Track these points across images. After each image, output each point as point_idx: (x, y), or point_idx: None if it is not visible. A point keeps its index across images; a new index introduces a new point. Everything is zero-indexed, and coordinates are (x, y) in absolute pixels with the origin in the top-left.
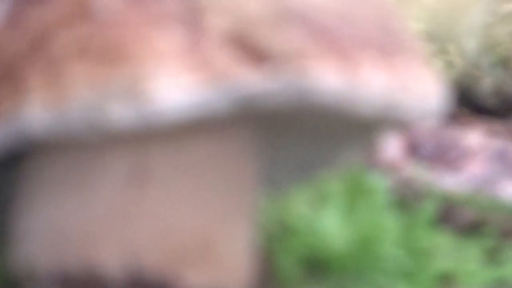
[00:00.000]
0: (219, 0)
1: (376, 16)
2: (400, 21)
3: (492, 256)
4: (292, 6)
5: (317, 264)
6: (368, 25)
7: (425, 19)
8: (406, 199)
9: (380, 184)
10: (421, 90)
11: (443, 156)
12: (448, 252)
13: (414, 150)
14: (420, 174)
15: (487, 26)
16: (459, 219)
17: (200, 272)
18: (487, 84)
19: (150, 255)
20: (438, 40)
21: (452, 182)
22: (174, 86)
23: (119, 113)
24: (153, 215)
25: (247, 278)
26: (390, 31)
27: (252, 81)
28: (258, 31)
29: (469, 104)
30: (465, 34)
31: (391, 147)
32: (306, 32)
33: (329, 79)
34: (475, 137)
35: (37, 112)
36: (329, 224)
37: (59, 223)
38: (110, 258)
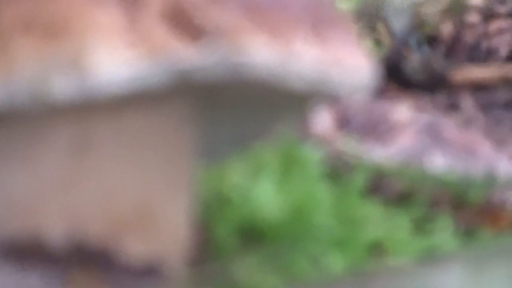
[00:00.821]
0: None
1: None
2: (331, 0)
3: (421, 226)
4: None
5: (252, 233)
6: (299, 3)
7: None
8: (337, 170)
9: (312, 155)
10: (352, 65)
11: (373, 129)
12: (378, 221)
13: (345, 123)
14: (351, 146)
15: (415, 6)
16: (389, 189)
17: (140, 241)
18: (414, 60)
19: (92, 224)
20: (368, 19)
21: (382, 154)
22: (113, 60)
23: (61, 85)
24: (95, 185)
25: (185, 247)
26: (321, 9)
27: (188, 56)
28: (194, 8)
29: (397, 79)
30: (394, 14)
31: (323, 120)
32: (240, 9)
33: (262, 53)
34: (403, 111)
35: None
36: (264, 194)
37: (6, 192)
38: (55, 227)
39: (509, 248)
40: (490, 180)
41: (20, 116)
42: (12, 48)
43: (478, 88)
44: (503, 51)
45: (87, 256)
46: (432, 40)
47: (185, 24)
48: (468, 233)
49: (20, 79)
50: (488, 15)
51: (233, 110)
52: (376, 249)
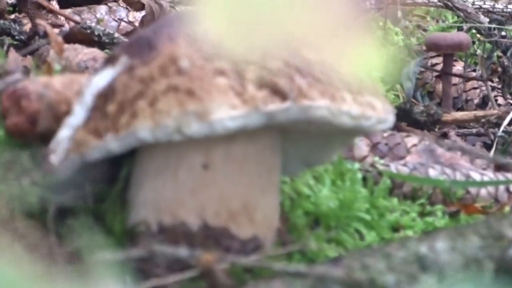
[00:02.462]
0: (253, 61)
1: (349, 68)
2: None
3: (423, 213)
4: (297, 63)
5: (315, 217)
6: (345, 73)
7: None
8: (370, 177)
9: (354, 167)
10: (380, 110)
11: (393, 151)
12: (396, 210)
13: (375, 148)
14: (379, 162)
15: (419, 73)
16: (403, 190)
17: (247, 227)
18: (419, 108)
19: (215, 216)
20: (389, 82)
21: (398, 167)
22: (230, 113)
23: (195, 129)
24: (216, 189)
25: (275, 229)
26: (359, 77)
27: (277, 109)
28: (277, 80)
29: (408, 120)
30: (405, 78)
31: (361, 145)
32: (308, 79)
33: (324, 107)
34: (412, 140)
35: (146, 128)
36: (323, 192)
37: (158, 193)
38: (190, 215)
39: (477, 224)
40: (466, 183)
41: (168, 143)
42: (165, 104)
43: (460, 124)
44: (475, 100)
45: (213, 238)
46: (430, 95)
47: (274, 90)
48: (452, 216)
49: (171, 123)
50: (465, 78)
51: (304, 140)
52: (395, 228)
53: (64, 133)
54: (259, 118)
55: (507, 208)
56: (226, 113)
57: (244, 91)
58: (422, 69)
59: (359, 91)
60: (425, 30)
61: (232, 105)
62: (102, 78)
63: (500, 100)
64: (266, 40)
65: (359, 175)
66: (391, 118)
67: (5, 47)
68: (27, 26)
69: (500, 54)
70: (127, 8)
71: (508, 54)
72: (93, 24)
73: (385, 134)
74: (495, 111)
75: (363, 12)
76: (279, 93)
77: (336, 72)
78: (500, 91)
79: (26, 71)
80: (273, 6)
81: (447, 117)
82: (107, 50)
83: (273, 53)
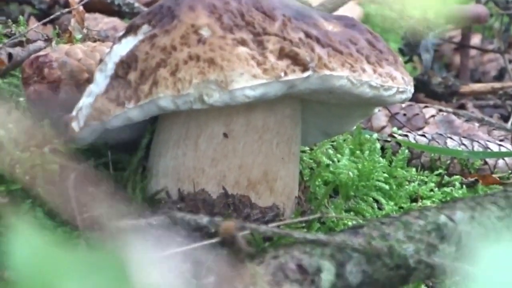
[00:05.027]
0: (273, 31)
1: (368, 39)
2: (385, 43)
3: (441, 184)
4: (318, 35)
5: (335, 187)
6: (365, 45)
7: (399, 41)
8: (389, 147)
9: (373, 138)
10: (399, 80)
11: (411, 122)
12: (414, 180)
13: (393, 118)
14: (397, 132)
15: (437, 45)
16: (421, 160)
17: (267, 195)
18: (436, 79)
19: (236, 185)
20: (408, 54)
21: (416, 137)
22: (251, 82)
23: (216, 97)
24: (236, 159)
25: (294, 198)
26: (379, 49)
27: (298, 78)
28: (299, 50)
29: (426, 91)
30: (424, 50)
31: (379, 116)
32: (328, 49)
33: (344, 77)
34: (430, 111)
35: (167, 96)
36: (342, 161)
37: (179, 162)
38: (210, 184)
39: (495, 195)
40: (484, 154)
41: (189, 112)
42: (187, 73)
43: (477, 96)
44: (492, 73)
45: (233, 206)
46: (447, 66)
47: (294, 59)
48: (469, 186)
49: (192, 91)
50: (483, 50)
51: (323, 110)
52: (413, 198)
53: (85, 101)
54: (279, 87)
55: None
56: (247, 82)
57: (265, 61)
58: (440, 41)
59: (379, 62)
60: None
61: (253, 74)
62: (124, 47)
63: None
64: (289, 10)
65: (378, 145)
66: (410, 89)
67: (25, 16)
68: None
69: None
70: None
71: None
72: None
73: (404, 105)
74: None
75: None
76: (299, 63)
77: (355, 43)
78: None
79: (48, 40)
80: None
81: (465, 88)
82: (127, 19)
83: (294, 23)
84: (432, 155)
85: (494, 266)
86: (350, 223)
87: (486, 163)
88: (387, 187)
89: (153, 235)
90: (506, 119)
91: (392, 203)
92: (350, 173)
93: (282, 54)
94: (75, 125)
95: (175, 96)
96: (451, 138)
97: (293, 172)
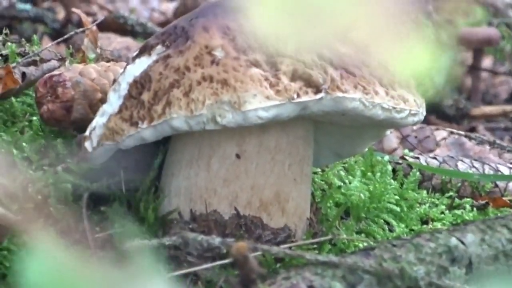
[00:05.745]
0: (286, 53)
1: (382, 62)
2: (399, 66)
3: (452, 206)
4: (331, 57)
5: (346, 208)
6: (378, 67)
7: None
8: (400, 169)
9: (385, 159)
10: (411, 105)
11: (422, 144)
12: (425, 202)
13: (404, 140)
14: (408, 154)
15: (449, 68)
16: (432, 182)
17: (278, 216)
18: (448, 101)
19: (246, 204)
20: (420, 77)
21: (428, 160)
22: (263, 104)
23: (229, 118)
24: (248, 178)
25: (306, 219)
26: (392, 71)
27: (311, 100)
28: (312, 72)
29: (438, 113)
30: (436, 73)
31: (391, 138)
32: (341, 72)
33: (356, 99)
34: (441, 133)
35: (181, 116)
36: (353, 183)
37: (191, 182)
38: (222, 204)
39: (505, 217)
40: (495, 176)
41: (201, 132)
42: (199, 94)
43: (488, 119)
44: (503, 96)
45: (245, 227)
46: (458, 89)
47: (307, 81)
48: (479, 209)
49: (205, 112)
50: (494, 72)
51: (336, 132)
52: (424, 220)
53: (99, 121)
54: (292, 109)
55: None
56: (260, 103)
57: (278, 82)
58: (452, 63)
59: (391, 84)
60: (454, 25)
61: (266, 96)
62: (138, 67)
63: None
64: (302, 32)
65: (389, 167)
66: (423, 111)
67: (39, 35)
68: (61, 14)
69: None
70: None
71: None
72: (126, 14)
73: (415, 127)
74: None
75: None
76: (312, 85)
77: (367, 65)
78: None
79: (61, 59)
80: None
81: (476, 111)
82: (140, 39)
83: (307, 45)
84: (443, 177)
85: None
86: (361, 245)
87: (496, 185)
88: (398, 209)
89: (164, 255)
90: None
91: (403, 225)
92: (362, 195)
93: (295, 75)
94: (88, 145)
95: (188, 117)
96: (462, 160)
97: (305, 193)
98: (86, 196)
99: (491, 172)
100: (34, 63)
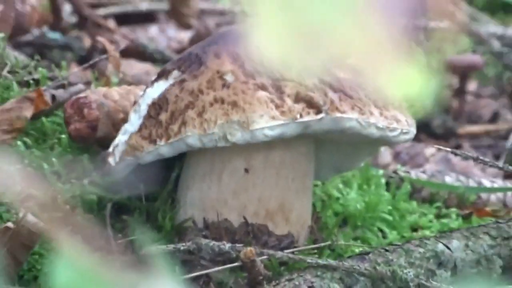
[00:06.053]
0: (290, 78)
1: (376, 86)
2: (391, 89)
3: (440, 215)
4: (331, 81)
5: (344, 217)
6: (373, 90)
7: (404, 90)
8: (393, 182)
9: (379, 173)
10: (403, 123)
11: (413, 160)
12: (415, 212)
13: (397, 156)
14: (400, 169)
15: (437, 91)
16: (422, 194)
17: (283, 225)
18: (437, 121)
19: (253, 214)
20: (410, 100)
21: (418, 174)
22: (269, 123)
23: (238, 136)
24: (255, 190)
25: (307, 227)
26: (385, 94)
27: (312, 120)
28: (313, 94)
29: (427, 132)
30: (425, 96)
31: (385, 154)
32: (339, 94)
33: (353, 119)
34: (430, 150)
35: (195, 135)
36: (351, 195)
37: (204, 194)
38: (232, 214)
39: (487, 226)
40: (478, 189)
41: (213, 149)
42: (212, 114)
43: (473, 137)
44: (486, 117)
45: (252, 234)
46: (446, 110)
47: (309, 103)
48: (465, 218)
49: (217, 131)
50: (478, 95)
51: (334, 148)
52: (414, 229)
53: (121, 138)
54: (295, 128)
55: None
56: (266, 123)
57: (283, 104)
58: (440, 87)
59: (385, 106)
60: (443, 52)
61: (272, 116)
62: (156, 90)
63: (509, 116)
64: (306, 59)
65: (383, 180)
66: (413, 130)
67: (67, 61)
68: (87, 42)
69: (511, 75)
70: (176, 28)
71: None
72: (146, 42)
73: (407, 144)
74: (505, 126)
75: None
76: (314, 106)
77: (364, 89)
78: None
79: (87, 83)
80: (314, 29)
81: (462, 130)
82: (158, 65)
83: (309, 71)
84: (432, 190)
85: None
86: (357, 250)
87: (480, 197)
88: (390, 218)
89: (179, 260)
90: (498, 158)
91: (395, 233)
92: (358, 205)
93: (298, 98)
94: (111, 160)
95: (202, 135)
96: (448, 175)
97: (307, 204)
98: (110, 206)
99: (475, 185)
100: (62, 86)
